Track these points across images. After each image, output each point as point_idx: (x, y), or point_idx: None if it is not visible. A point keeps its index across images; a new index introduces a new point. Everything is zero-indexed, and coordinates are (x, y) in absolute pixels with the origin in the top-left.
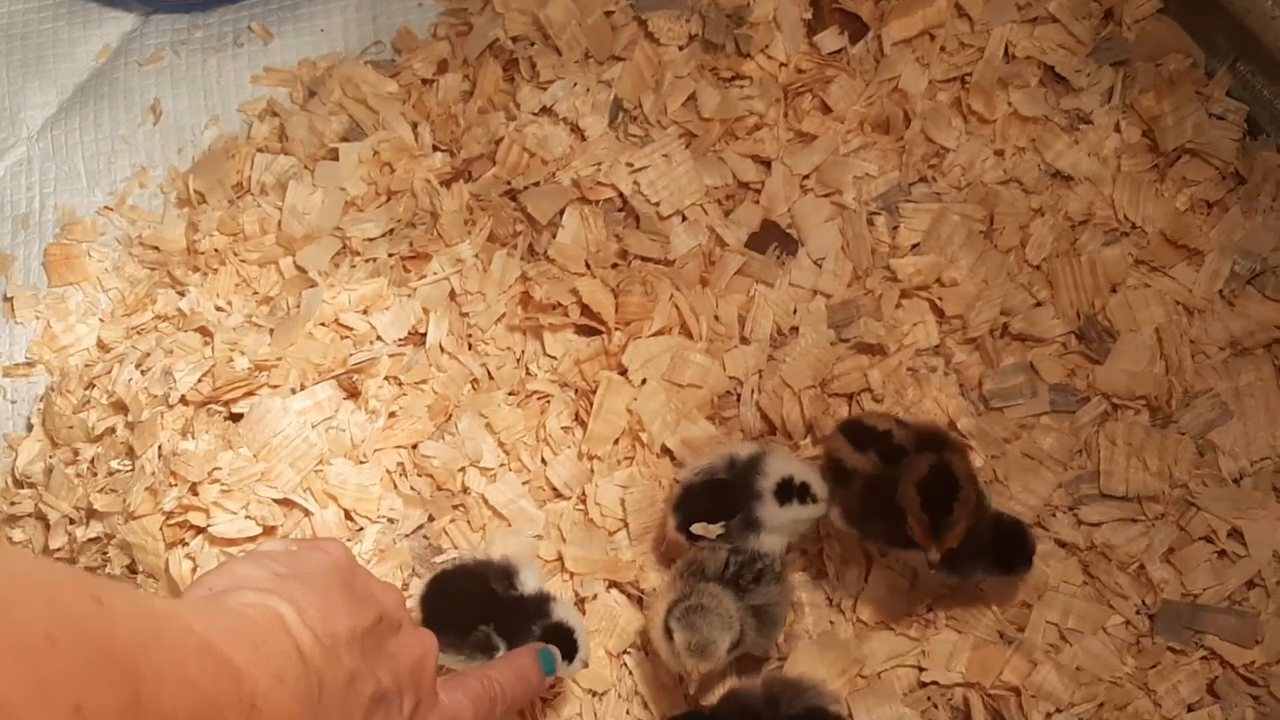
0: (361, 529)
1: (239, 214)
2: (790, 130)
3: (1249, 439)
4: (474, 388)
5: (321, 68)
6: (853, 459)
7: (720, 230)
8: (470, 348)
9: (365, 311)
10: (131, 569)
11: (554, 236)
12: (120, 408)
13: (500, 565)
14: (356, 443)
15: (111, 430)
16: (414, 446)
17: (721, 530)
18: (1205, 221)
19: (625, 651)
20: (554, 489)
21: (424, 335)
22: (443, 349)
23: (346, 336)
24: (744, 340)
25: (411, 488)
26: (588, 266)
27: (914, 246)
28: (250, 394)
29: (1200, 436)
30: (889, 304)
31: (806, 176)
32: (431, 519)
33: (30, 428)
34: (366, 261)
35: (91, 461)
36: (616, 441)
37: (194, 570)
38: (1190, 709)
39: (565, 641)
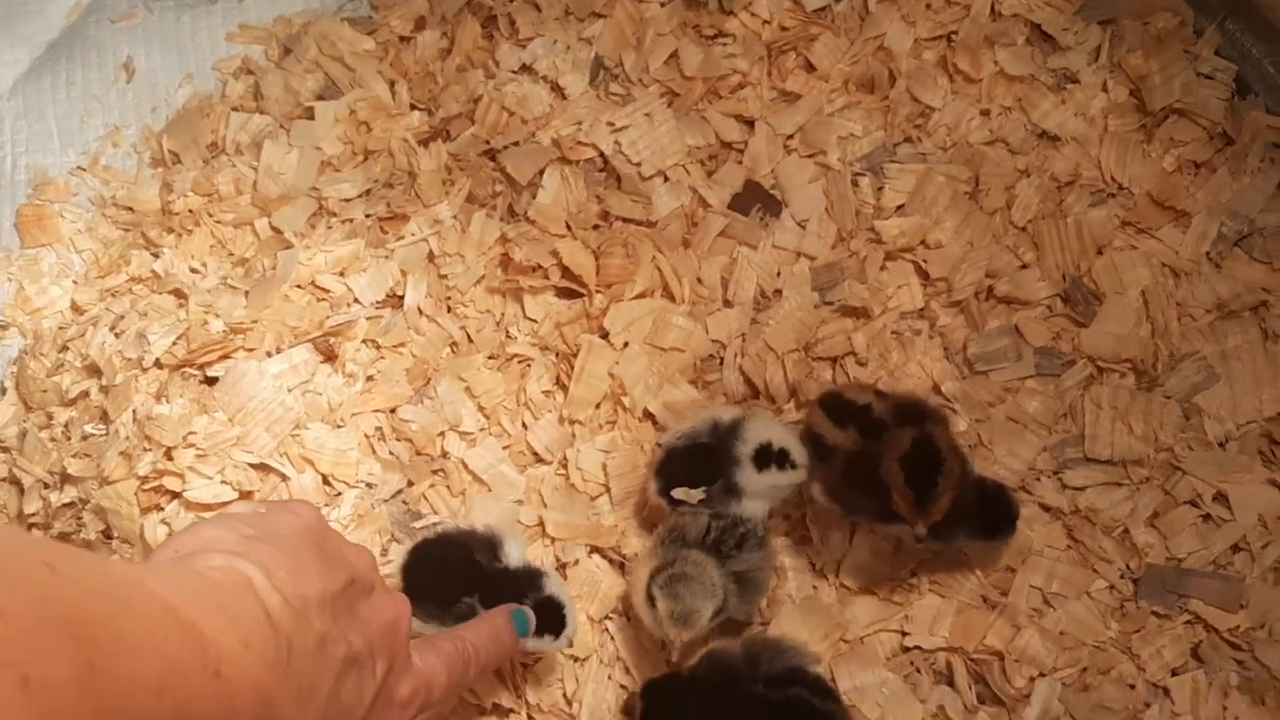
0: (339, 494)
1: (214, 174)
2: (774, 89)
3: (1235, 402)
4: (453, 351)
5: (297, 25)
6: (832, 435)
7: (703, 191)
8: (449, 310)
9: (342, 273)
10: (107, 534)
11: (534, 197)
12: (94, 371)
13: (484, 536)
14: (334, 407)
15: (85, 394)
16: (392, 410)
17: (703, 495)
18: (1193, 182)
19: (607, 617)
20: (535, 454)
21: (402, 298)
22: (421, 312)
23: (323, 299)
24: (727, 303)
25: (390, 452)
26: (568, 228)
27: (899, 208)
28: (225, 357)
29: (1186, 400)
30: (873, 266)
31: (790, 137)
32: (411, 484)
33: (3, 391)
34: (343, 223)
35: (65, 426)
36: (598, 406)
37: (170, 536)
38: (1174, 673)
39: (554, 617)
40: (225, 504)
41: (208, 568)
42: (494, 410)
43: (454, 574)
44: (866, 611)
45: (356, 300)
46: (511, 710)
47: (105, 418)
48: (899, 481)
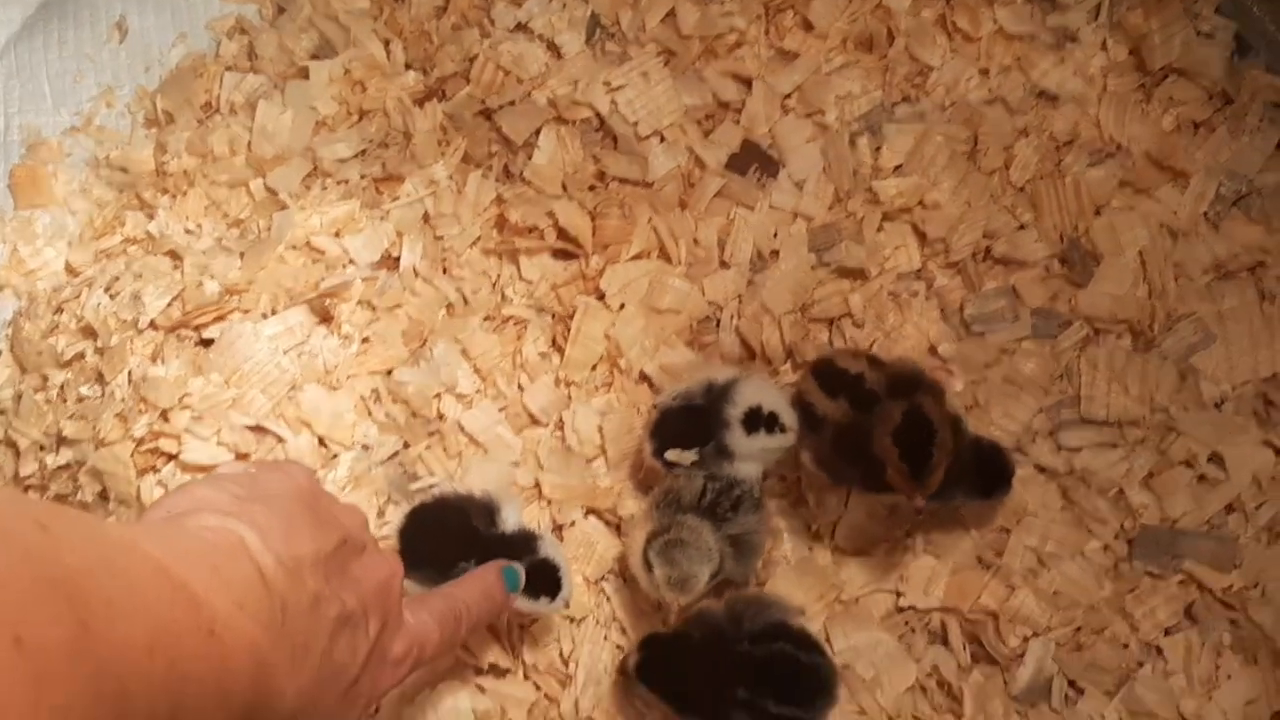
0: (335, 456)
1: (208, 134)
2: (771, 48)
3: (1231, 363)
4: (449, 313)
5: None
6: (823, 405)
7: (700, 151)
8: (445, 272)
9: (337, 234)
10: (103, 496)
11: (530, 158)
12: (89, 333)
13: (481, 501)
14: (329, 368)
15: (81, 356)
16: (388, 372)
17: (695, 457)
18: (1191, 142)
19: (603, 578)
20: (531, 416)
21: (397, 259)
22: (417, 273)
23: (318, 260)
24: (723, 264)
25: (386, 414)
26: (564, 188)
27: (896, 168)
28: (221, 319)
29: (1182, 361)
30: (870, 227)
31: (788, 96)
32: (407, 446)
33: None
34: (338, 183)
35: (61, 388)
36: (594, 367)
37: (161, 496)
38: (1167, 632)
39: (550, 579)
40: None
41: (200, 528)
42: (490, 372)
43: (451, 539)
44: (861, 573)
45: (352, 262)
46: (508, 670)
47: (101, 380)
48: (893, 457)
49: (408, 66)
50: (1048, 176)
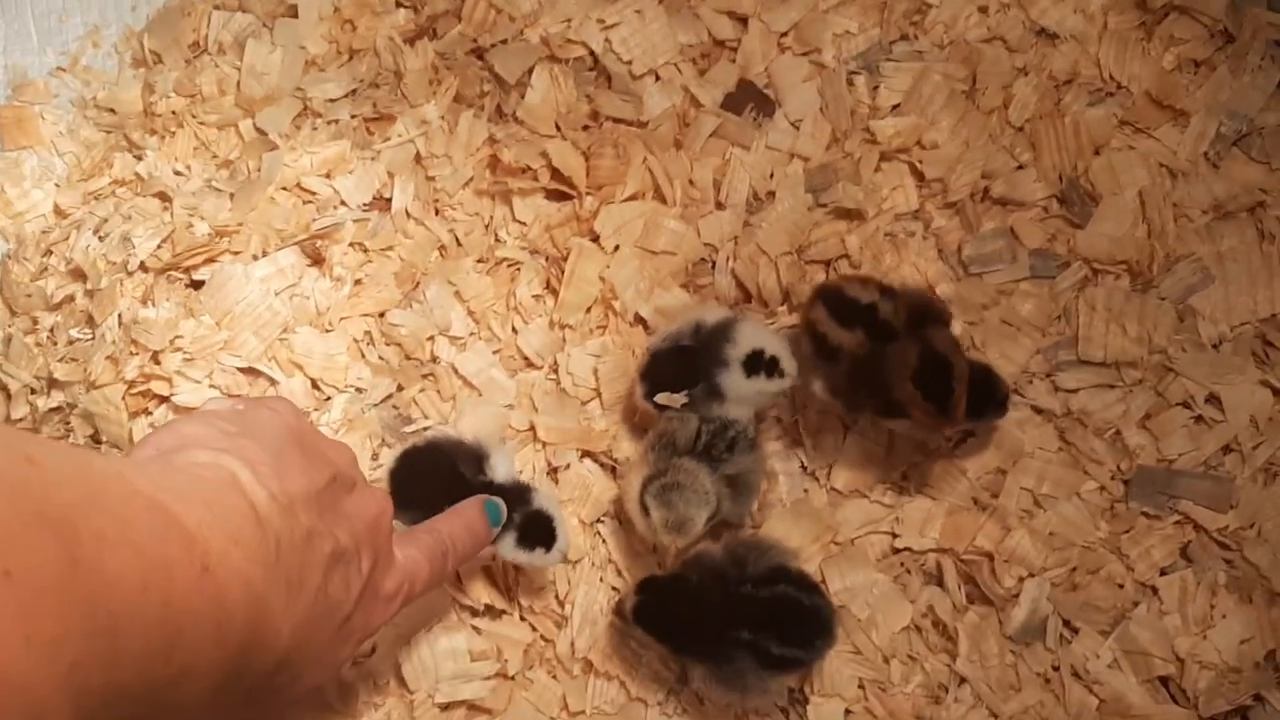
0: (329, 398)
1: (196, 74)
2: None
3: (1229, 304)
4: (442, 254)
5: None
6: (838, 335)
7: (695, 90)
8: (437, 213)
9: (328, 175)
10: (95, 439)
11: (522, 97)
12: (79, 275)
13: (471, 448)
14: (322, 310)
15: (70, 298)
16: (381, 315)
17: (685, 399)
18: (1192, 81)
19: (599, 520)
20: (525, 358)
21: (389, 200)
22: (409, 214)
23: (309, 201)
24: (719, 205)
25: (380, 357)
26: (558, 128)
27: (894, 108)
28: (211, 261)
29: (1180, 301)
30: (868, 167)
31: (784, 34)
32: (401, 388)
33: None
34: (328, 124)
35: (51, 330)
36: (588, 310)
37: (149, 433)
38: (1163, 572)
39: (544, 531)
40: None
41: (192, 464)
42: (483, 314)
43: (442, 483)
44: (857, 514)
45: (343, 203)
46: (504, 612)
47: (91, 322)
48: (917, 400)
49: (398, 4)
50: (1047, 116)
